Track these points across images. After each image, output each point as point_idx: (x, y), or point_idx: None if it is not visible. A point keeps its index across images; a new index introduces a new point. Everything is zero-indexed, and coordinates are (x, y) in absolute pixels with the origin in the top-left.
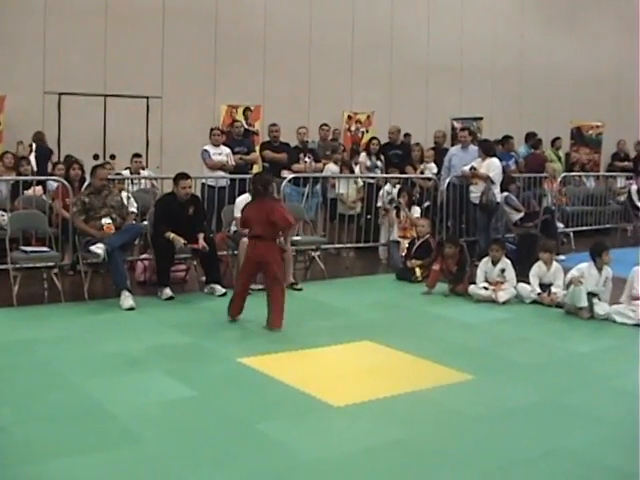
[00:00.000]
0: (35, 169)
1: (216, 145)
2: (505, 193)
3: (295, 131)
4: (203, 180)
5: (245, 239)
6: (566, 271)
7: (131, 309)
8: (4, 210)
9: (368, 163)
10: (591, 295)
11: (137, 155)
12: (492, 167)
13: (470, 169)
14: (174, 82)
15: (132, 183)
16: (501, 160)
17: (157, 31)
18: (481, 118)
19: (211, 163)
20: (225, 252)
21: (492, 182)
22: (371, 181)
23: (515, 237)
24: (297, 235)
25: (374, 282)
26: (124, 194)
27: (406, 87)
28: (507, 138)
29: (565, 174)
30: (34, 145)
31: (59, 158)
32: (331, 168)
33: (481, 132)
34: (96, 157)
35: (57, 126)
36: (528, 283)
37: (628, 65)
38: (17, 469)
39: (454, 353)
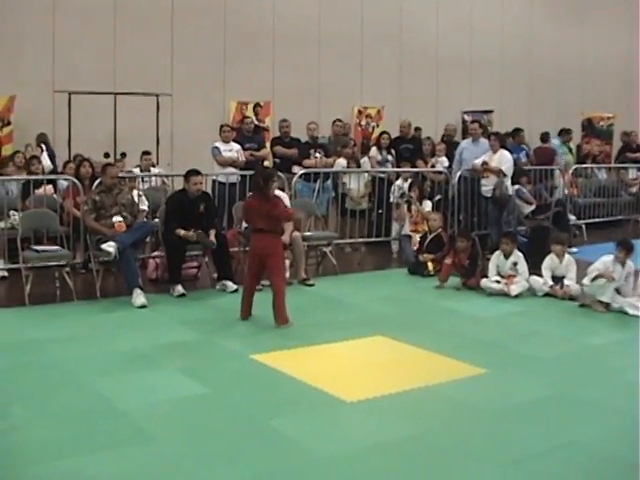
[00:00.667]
0: (51, 167)
1: (226, 142)
2: (516, 186)
3: (305, 126)
4: (214, 177)
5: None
6: (578, 263)
7: (143, 307)
8: (15, 210)
9: (379, 157)
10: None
11: (147, 153)
12: (504, 160)
13: (482, 164)
14: (184, 79)
15: (143, 181)
16: (512, 153)
17: (166, 28)
18: (491, 111)
19: (222, 160)
20: (236, 248)
21: (504, 175)
22: (382, 176)
23: (527, 230)
24: (309, 230)
25: (386, 277)
26: (135, 192)
27: (416, 81)
28: (517, 130)
29: (576, 166)
30: (43, 145)
31: (69, 157)
32: (341, 163)
33: (492, 125)
34: (107, 155)
35: (67, 125)
36: (540, 276)
37: (638, 55)
38: (29, 468)
39: (467, 347)
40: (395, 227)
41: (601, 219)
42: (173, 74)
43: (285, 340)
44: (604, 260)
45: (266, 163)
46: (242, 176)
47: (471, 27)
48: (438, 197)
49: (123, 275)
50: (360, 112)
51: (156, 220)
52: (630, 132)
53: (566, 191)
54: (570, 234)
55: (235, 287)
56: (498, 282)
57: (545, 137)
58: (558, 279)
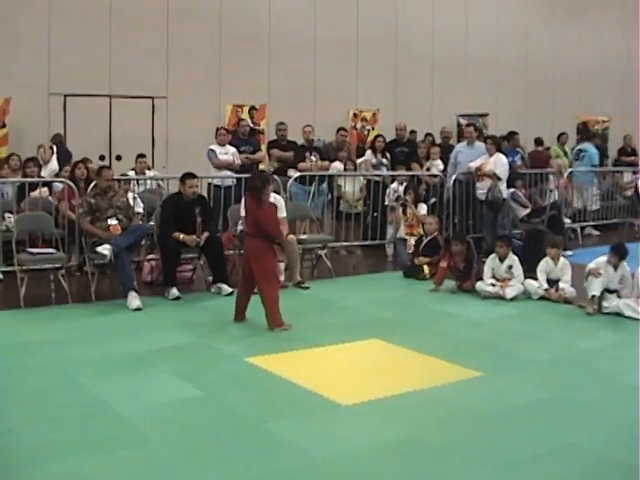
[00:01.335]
0: (57, 170)
1: (222, 145)
2: (511, 189)
3: (301, 130)
4: (209, 180)
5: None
6: (573, 267)
7: (138, 309)
8: (10, 212)
9: (374, 161)
10: (605, 291)
11: (142, 155)
12: (499, 164)
13: (476, 170)
14: (179, 82)
15: (138, 183)
16: (507, 156)
17: (162, 31)
18: (487, 114)
19: (217, 163)
20: (232, 251)
21: (499, 179)
22: (377, 179)
23: (522, 233)
24: (304, 234)
25: (381, 280)
26: (130, 195)
27: (411, 84)
28: (512, 134)
29: (571, 169)
30: (55, 147)
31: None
32: (337, 166)
33: (487, 128)
34: (102, 158)
35: (63, 127)
36: (535, 279)
37: (634, 59)
38: (25, 471)
39: (462, 350)
40: (390, 230)
41: (596, 222)
42: (168, 77)
43: (280, 343)
44: (598, 261)
45: (262, 166)
46: (238, 179)
47: (466, 30)
48: (433, 200)
49: (118, 278)
50: (355, 115)
51: (151, 223)
52: (625, 135)
53: (557, 195)
54: (565, 237)
55: (230, 290)
56: (493, 285)
57: (540, 141)
58: (553, 282)
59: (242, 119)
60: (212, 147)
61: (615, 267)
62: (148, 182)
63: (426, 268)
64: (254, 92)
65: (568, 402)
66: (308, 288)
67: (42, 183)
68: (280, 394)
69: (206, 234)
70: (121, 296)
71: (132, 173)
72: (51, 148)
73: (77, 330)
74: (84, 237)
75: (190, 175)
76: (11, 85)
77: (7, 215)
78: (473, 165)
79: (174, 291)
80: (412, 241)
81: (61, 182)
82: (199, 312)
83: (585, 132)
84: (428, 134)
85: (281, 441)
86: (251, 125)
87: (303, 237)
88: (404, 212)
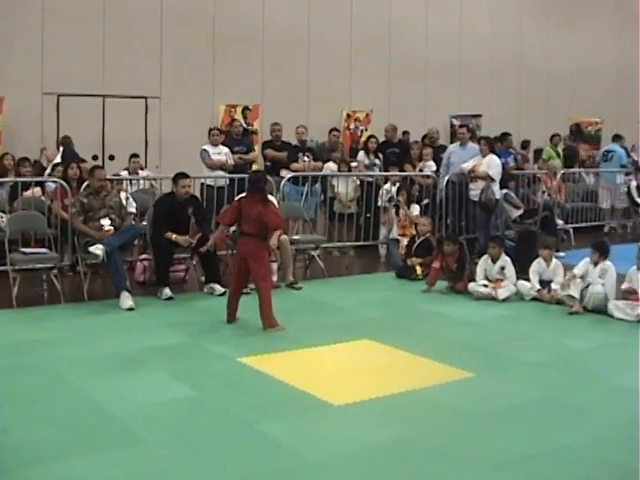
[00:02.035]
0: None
1: (215, 145)
2: (504, 190)
3: (294, 130)
4: (202, 180)
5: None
6: (566, 268)
7: (131, 309)
8: (3, 212)
9: (366, 161)
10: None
11: (135, 155)
12: (492, 165)
13: (469, 172)
14: (172, 82)
15: (131, 183)
16: (500, 157)
17: (155, 31)
18: (480, 115)
19: (210, 163)
20: (224, 252)
21: (492, 180)
22: (370, 179)
23: (515, 234)
24: (296, 234)
25: (374, 280)
26: (123, 194)
27: (405, 85)
28: (505, 135)
29: (564, 170)
30: (61, 149)
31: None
32: (331, 167)
33: (480, 129)
34: (95, 158)
35: (56, 127)
36: (528, 280)
37: (627, 61)
38: (18, 471)
39: (454, 351)
40: (383, 231)
41: (589, 223)
42: (162, 77)
43: (272, 343)
44: (582, 262)
45: (255, 166)
46: (231, 179)
47: (460, 31)
48: (426, 201)
49: (111, 278)
50: (349, 116)
51: (144, 223)
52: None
53: (553, 196)
54: (558, 238)
55: (223, 290)
56: (486, 286)
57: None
58: (545, 283)
59: (235, 119)
60: (205, 147)
61: (595, 264)
62: (141, 182)
63: (419, 269)
64: (247, 92)
65: (561, 403)
66: (301, 288)
67: (35, 183)
68: (272, 394)
69: (199, 234)
70: (114, 296)
71: (125, 173)
72: (58, 148)
73: (69, 330)
74: (77, 237)
75: (183, 175)
76: (4, 84)
77: None
78: (466, 166)
79: (167, 291)
80: (405, 242)
81: (54, 182)
82: (192, 312)
83: (578, 133)
84: (425, 136)
85: (273, 441)
86: (244, 125)
87: (296, 237)
88: (397, 213)
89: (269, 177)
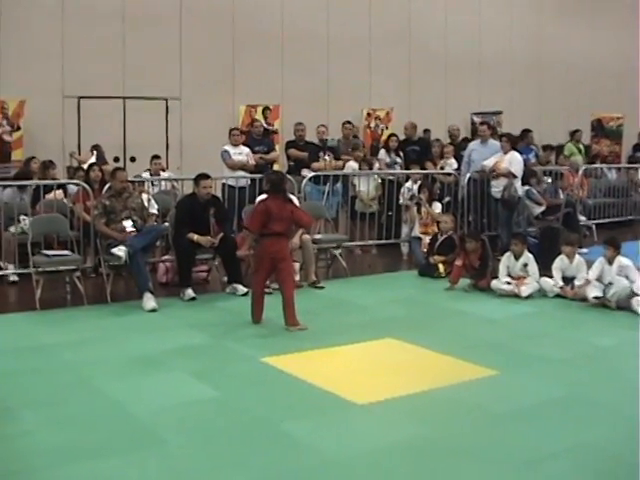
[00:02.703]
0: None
1: (236, 145)
2: (526, 187)
3: (315, 129)
4: (223, 180)
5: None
6: (588, 264)
7: (153, 310)
8: (25, 214)
9: (387, 160)
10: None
11: (156, 157)
12: (514, 161)
13: (490, 170)
14: (193, 83)
15: (152, 185)
16: (521, 154)
17: (175, 32)
18: (500, 112)
19: (231, 163)
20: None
21: (514, 177)
22: (391, 178)
23: (537, 231)
24: (318, 233)
25: (396, 279)
26: (144, 196)
27: (425, 83)
28: (526, 132)
29: (586, 166)
30: (95, 152)
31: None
32: (352, 166)
33: (501, 126)
34: (117, 160)
35: (77, 130)
36: (551, 277)
37: None
38: (40, 473)
39: (478, 349)
40: (405, 229)
41: (611, 219)
42: (182, 78)
43: (295, 343)
44: (595, 263)
45: (275, 166)
46: (252, 179)
47: (480, 29)
48: (447, 199)
49: (133, 279)
50: (369, 114)
51: (166, 224)
52: None
53: (575, 192)
54: (580, 235)
55: (245, 290)
56: (509, 283)
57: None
58: (568, 280)
59: (256, 119)
60: (226, 148)
61: (610, 261)
62: (162, 183)
63: (441, 267)
64: (268, 92)
65: (584, 400)
66: (323, 288)
67: (57, 185)
68: (295, 394)
69: (221, 235)
70: (136, 297)
71: (146, 174)
72: (91, 152)
73: (92, 331)
74: (99, 239)
75: (204, 176)
76: (26, 88)
77: (22, 217)
78: (487, 163)
79: (189, 292)
80: (427, 240)
81: (76, 184)
82: (214, 312)
83: (600, 129)
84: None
85: (297, 441)
86: (265, 125)
87: (318, 237)
88: (419, 211)
89: (290, 177)
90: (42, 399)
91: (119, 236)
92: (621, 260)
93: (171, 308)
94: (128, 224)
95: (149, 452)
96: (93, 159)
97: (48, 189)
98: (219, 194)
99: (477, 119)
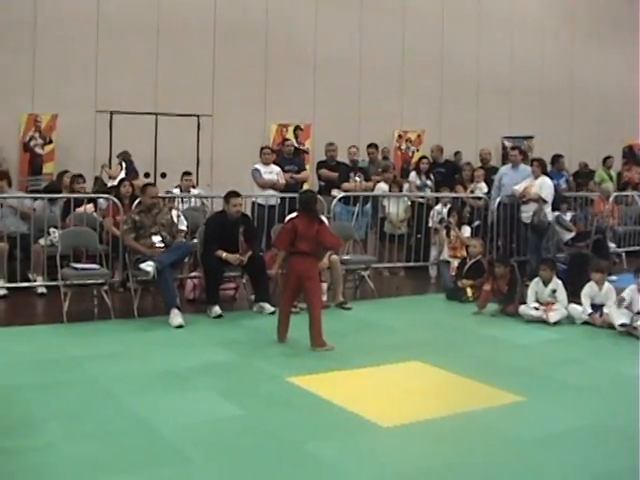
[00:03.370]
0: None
1: (267, 164)
2: (556, 212)
3: (346, 150)
4: (253, 199)
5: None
6: (618, 291)
7: (180, 327)
8: (55, 227)
9: (418, 182)
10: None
11: (187, 173)
12: (544, 187)
13: (520, 195)
14: (225, 101)
15: (182, 201)
16: (552, 179)
17: (208, 50)
18: (532, 137)
19: (262, 182)
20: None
21: (544, 202)
22: (421, 200)
23: (566, 257)
24: (347, 254)
25: (424, 302)
26: (174, 212)
27: (456, 106)
28: (558, 157)
29: (617, 193)
30: (123, 164)
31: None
32: (382, 187)
33: (532, 151)
34: (147, 175)
35: (109, 145)
36: (579, 304)
37: None
38: None
39: (504, 374)
40: (433, 252)
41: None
42: (214, 95)
43: (321, 363)
44: (630, 288)
45: (305, 186)
46: (282, 198)
47: (512, 54)
48: (477, 223)
49: (161, 295)
50: (400, 136)
51: (195, 241)
52: None
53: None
54: (610, 262)
55: (272, 309)
56: (537, 309)
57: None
58: (597, 307)
59: (287, 139)
60: (257, 166)
61: None
62: (192, 200)
63: (469, 291)
64: (299, 112)
65: (610, 429)
66: (350, 309)
67: (87, 199)
68: (321, 415)
69: (249, 253)
70: (163, 313)
71: (177, 191)
72: (120, 164)
73: (119, 346)
74: (128, 253)
75: (234, 194)
76: (59, 102)
77: (52, 230)
78: (517, 188)
79: (216, 309)
80: (455, 263)
81: (106, 199)
82: (241, 330)
83: (631, 156)
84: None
85: (320, 461)
86: (296, 145)
87: (346, 257)
88: (447, 234)
89: (320, 197)
90: (66, 412)
91: (148, 251)
92: None
93: (198, 325)
94: (157, 240)
95: (172, 469)
96: (122, 174)
97: (79, 203)
98: (249, 212)
99: (508, 143)
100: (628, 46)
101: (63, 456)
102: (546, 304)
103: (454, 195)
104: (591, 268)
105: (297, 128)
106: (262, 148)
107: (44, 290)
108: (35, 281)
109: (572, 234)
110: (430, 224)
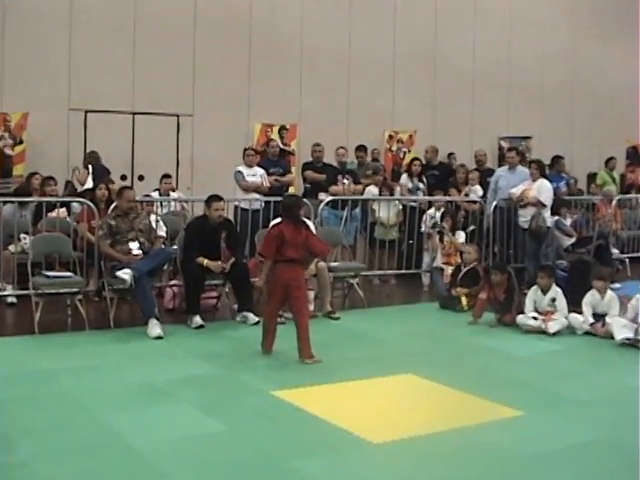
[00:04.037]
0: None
1: (250, 166)
2: (556, 217)
3: (334, 151)
4: (236, 202)
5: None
6: (621, 300)
7: (159, 338)
8: (26, 233)
9: (409, 185)
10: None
11: (167, 176)
12: (543, 190)
13: (518, 199)
14: (206, 99)
15: (161, 205)
16: (551, 182)
17: (188, 46)
18: (530, 137)
19: (245, 185)
20: (258, 279)
21: (543, 206)
22: (413, 204)
23: (567, 264)
24: (335, 261)
25: (416, 311)
26: (152, 217)
27: (450, 104)
28: (557, 158)
29: (620, 196)
30: (90, 168)
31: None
32: (372, 190)
33: (530, 152)
34: (124, 178)
35: (83, 145)
36: (580, 313)
37: None
38: None
39: (501, 387)
40: (426, 259)
41: None
42: (195, 94)
43: (308, 376)
44: (633, 300)
45: (291, 189)
46: (266, 202)
47: (509, 48)
48: (472, 228)
49: (138, 304)
50: (391, 136)
51: (174, 247)
52: None
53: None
54: (613, 269)
55: (256, 319)
56: (535, 319)
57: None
58: (599, 317)
59: (272, 139)
60: (240, 168)
61: None
62: (172, 204)
63: (464, 299)
64: (285, 111)
65: (611, 445)
66: (339, 318)
67: (60, 203)
68: (308, 430)
69: (232, 260)
70: (141, 323)
71: (156, 194)
72: (86, 168)
73: (94, 358)
74: (103, 260)
75: (216, 197)
76: (29, 100)
77: (23, 236)
78: (515, 191)
79: (197, 319)
80: (449, 271)
81: (80, 202)
82: (223, 342)
83: (635, 156)
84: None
85: (306, 479)
86: (281, 146)
87: (334, 265)
88: (441, 240)
89: (307, 200)
90: (40, 428)
91: (124, 258)
92: None
93: (177, 336)
94: (134, 246)
95: None
96: (89, 182)
97: (51, 207)
98: (231, 217)
99: (505, 144)
100: (630, 43)
101: (37, 475)
102: (545, 313)
103: (448, 199)
104: (593, 275)
105: (282, 128)
106: (245, 149)
107: (14, 300)
108: (4, 290)
109: (572, 240)
110: (423, 229)
